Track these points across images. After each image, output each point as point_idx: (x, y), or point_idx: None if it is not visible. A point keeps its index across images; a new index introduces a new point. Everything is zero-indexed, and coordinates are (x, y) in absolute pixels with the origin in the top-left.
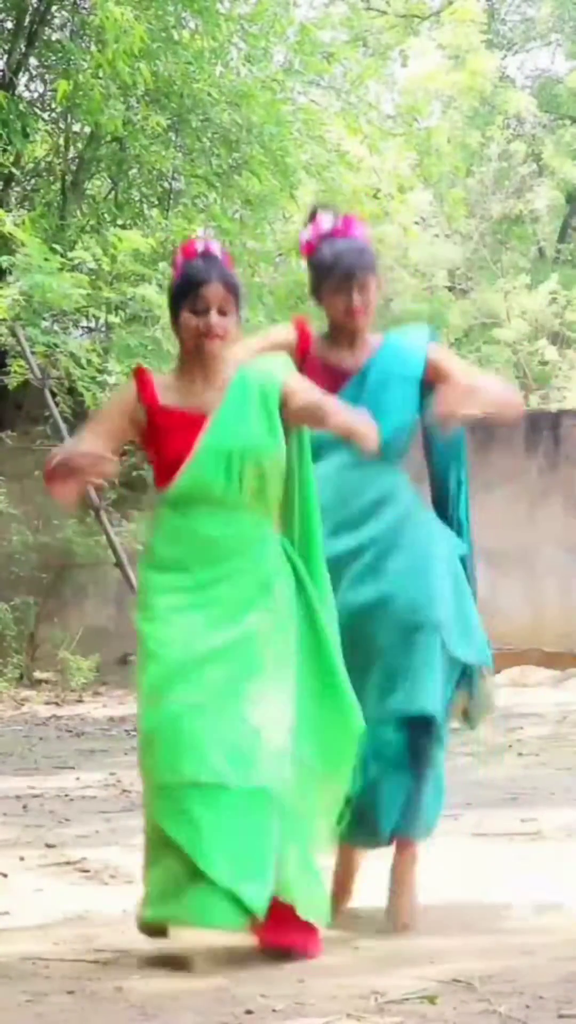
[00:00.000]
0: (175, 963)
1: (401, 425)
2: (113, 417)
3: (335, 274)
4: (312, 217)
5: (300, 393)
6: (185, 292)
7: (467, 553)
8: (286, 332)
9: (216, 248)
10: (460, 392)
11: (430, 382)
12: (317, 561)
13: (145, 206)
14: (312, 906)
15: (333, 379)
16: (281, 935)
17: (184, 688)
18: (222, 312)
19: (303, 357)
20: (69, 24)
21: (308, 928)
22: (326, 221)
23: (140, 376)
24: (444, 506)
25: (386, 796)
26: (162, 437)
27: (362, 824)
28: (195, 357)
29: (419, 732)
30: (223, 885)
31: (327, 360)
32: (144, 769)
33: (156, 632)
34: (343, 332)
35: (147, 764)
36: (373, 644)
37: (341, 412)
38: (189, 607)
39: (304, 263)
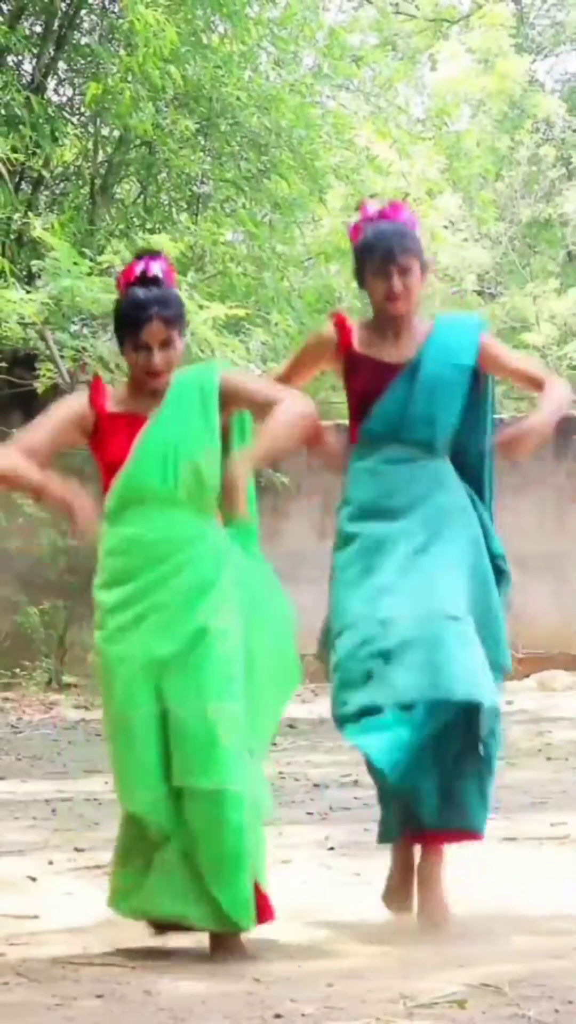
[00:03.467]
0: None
1: (453, 420)
2: (58, 420)
3: (375, 255)
4: (360, 206)
5: (245, 383)
6: (125, 328)
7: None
8: (322, 333)
9: (157, 269)
10: (526, 437)
11: (482, 371)
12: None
13: (174, 210)
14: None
15: (379, 374)
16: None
17: (144, 700)
18: (164, 346)
19: (346, 353)
20: (98, 28)
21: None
22: (372, 206)
23: (96, 384)
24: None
25: (425, 786)
26: (106, 440)
27: (406, 815)
28: (141, 385)
29: (466, 723)
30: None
31: (371, 354)
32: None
33: (111, 652)
34: (386, 320)
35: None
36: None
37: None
38: (136, 620)
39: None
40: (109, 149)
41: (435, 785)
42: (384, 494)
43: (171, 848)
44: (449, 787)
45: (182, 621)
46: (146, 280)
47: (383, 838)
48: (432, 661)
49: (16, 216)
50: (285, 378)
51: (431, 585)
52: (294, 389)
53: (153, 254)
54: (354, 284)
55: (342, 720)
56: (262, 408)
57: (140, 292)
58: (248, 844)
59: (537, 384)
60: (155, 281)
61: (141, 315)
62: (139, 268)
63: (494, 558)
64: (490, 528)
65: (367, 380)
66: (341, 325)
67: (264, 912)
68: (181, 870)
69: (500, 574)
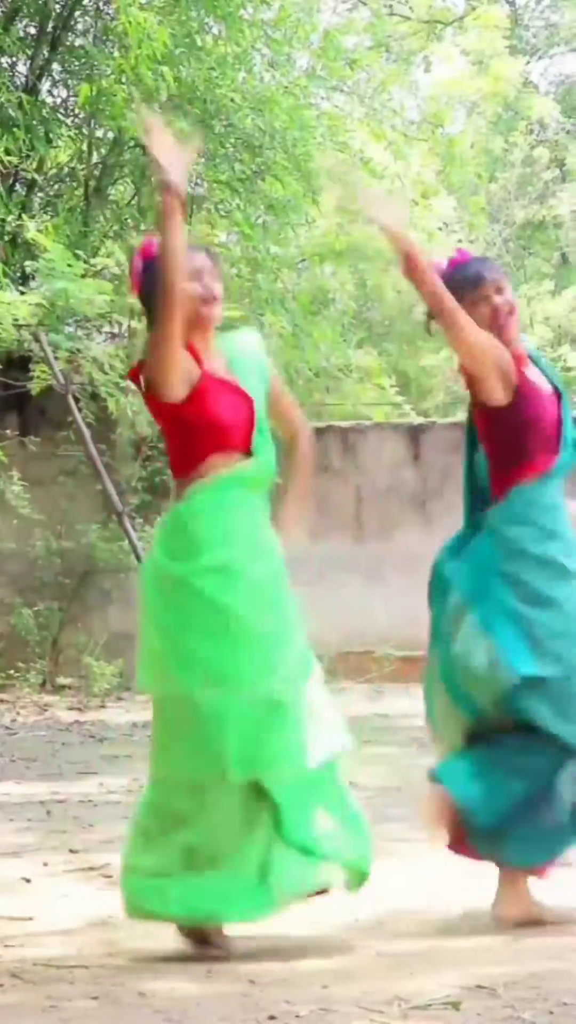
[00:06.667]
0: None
1: None
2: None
3: (482, 285)
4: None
5: (285, 391)
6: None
7: None
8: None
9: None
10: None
11: None
12: None
13: None
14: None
15: (545, 402)
16: None
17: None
18: (214, 280)
19: (521, 379)
20: (92, 30)
21: None
22: (444, 259)
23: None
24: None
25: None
26: (212, 400)
27: None
28: (196, 326)
29: None
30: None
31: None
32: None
33: None
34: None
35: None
36: None
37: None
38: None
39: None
40: (103, 151)
41: None
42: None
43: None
44: None
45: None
46: None
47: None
48: None
49: (10, 218)
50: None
51: None
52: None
53: None
54: (348, 286)
55: None
56: (285, 426)
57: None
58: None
59: None
60: None
61: (195, 252)
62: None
63: None
64: None
65: (538, 407)
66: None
67: None
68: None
69: None
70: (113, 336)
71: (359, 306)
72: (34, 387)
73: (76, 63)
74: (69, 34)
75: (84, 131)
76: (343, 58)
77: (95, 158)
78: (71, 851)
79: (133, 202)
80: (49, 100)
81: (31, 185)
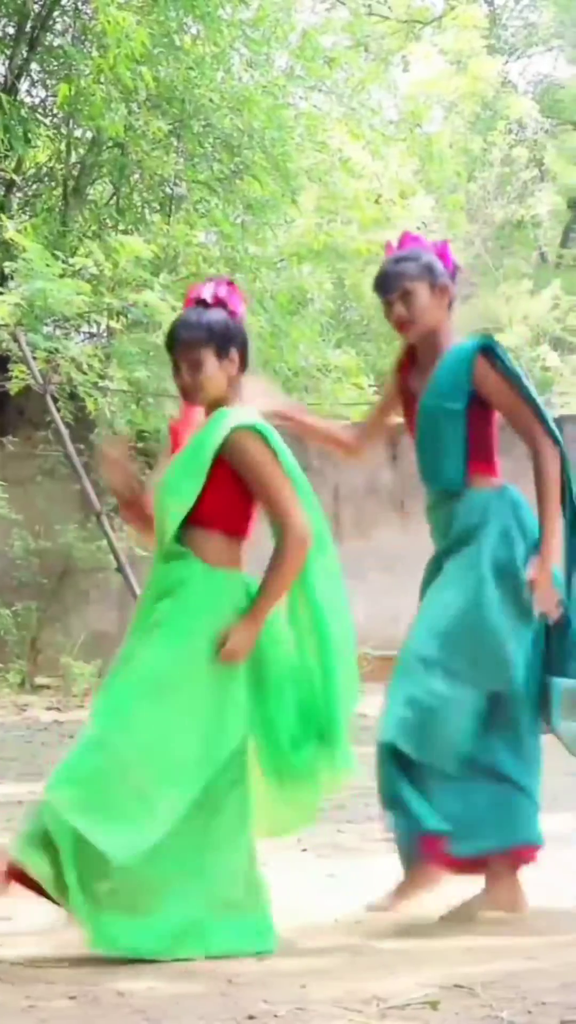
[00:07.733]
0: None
1: (452, 463)
2: None
3: (378, 291)
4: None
5: (257, 470)
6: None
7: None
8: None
9: (211, 293)
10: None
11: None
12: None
13: (147, 211)
14: None
15: (408, 405)
16: None
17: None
18: (194, 367)
19: (401, 385)
20: (71, 30)
21: None
22: (390, 247)
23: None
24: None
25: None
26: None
27: None
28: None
29: None
30: None
31: (408, 384)
32: None
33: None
34: (409, 348)
35: None
36: None
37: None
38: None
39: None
40: (82, 150)
41: None
42: (435, 538)
43: None
44: None
45: (139, 659)
46: (198, 302)
47: None
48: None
49: None
50: (367, 424)
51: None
52: (296, 512)
53: (220, 279)
54: (327, 286)
55: None
56: (267, 510)
57: (186, 315)
58: None
59: (526, 442)
60: (199, 308)
61: (171, 339)
62: (204, 292)
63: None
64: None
65: (407, 417)
66: (406, 355)
67: None
68: None
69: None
70: (91, 336)
71: (337, 306)
72: (12, 387)
73: (55, 63)
74: (48, 34)
75: (63, 131)
76: (321, 58)
77: (73, 158)
78: None
79: (112, 202)
80: (28, 100)
81: (9, 185)
